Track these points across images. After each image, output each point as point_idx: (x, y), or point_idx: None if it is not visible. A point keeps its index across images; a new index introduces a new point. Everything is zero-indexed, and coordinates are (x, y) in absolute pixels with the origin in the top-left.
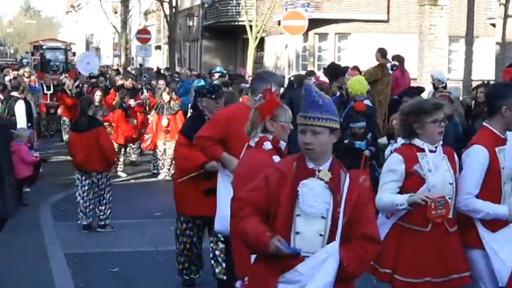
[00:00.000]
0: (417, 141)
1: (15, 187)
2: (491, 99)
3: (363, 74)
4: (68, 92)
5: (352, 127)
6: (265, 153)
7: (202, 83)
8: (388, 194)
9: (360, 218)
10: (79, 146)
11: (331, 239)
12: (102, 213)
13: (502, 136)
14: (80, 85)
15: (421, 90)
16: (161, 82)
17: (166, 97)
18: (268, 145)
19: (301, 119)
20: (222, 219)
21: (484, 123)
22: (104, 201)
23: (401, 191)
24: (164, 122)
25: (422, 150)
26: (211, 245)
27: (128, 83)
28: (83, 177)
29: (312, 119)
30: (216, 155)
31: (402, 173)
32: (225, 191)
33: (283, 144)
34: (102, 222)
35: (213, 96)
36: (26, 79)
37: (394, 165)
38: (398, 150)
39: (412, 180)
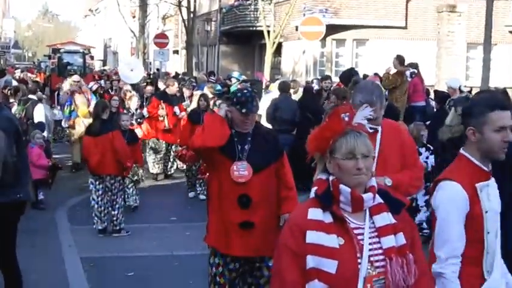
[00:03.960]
0: None
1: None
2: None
3: (383, 80)
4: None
5: None
6: (305, 203)
7: (218, 87)
8: None
9: None
10: (93, 150)
11: None
12: (115, 218)
13: (484, 168)
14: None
15: (447, 95)
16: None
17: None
18: (312, 192)
19: None
20: None
21: (461, 150)
22: (117, 205)
23: None
24: None
25: None
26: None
27: (174, 88)
28: (97, 182)
29: None
30: None
31: None
32: None
33: (345, 192)
34: (117, 227)
35: (243, 111)
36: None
37: None
38: None
39: None
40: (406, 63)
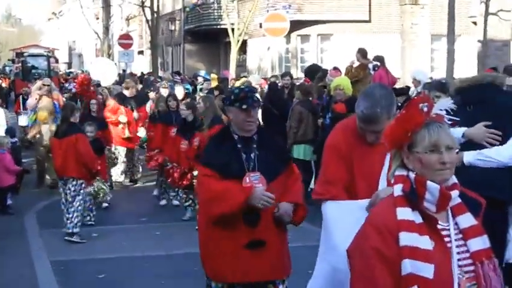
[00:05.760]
0: None
1: None
2: None
3: (345, 73)
4: None
5: None
6: (387, 202)
7: (188, 87)
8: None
9: None
10: (58, 152)
11: None
12: (69, 221)
13: None
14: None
15: (407, 90)
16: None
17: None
18: (398, 190)
19: None
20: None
21: None
22: (72, 209)
23: None
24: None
25: None
26: None
27: (133, 90)
28: (64, 184)
29: None
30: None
31: None
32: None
33: (433, 189)
34: (70, 230)
35: (243, 107)
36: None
37: None
38: None
39: None
40: (372, 57)
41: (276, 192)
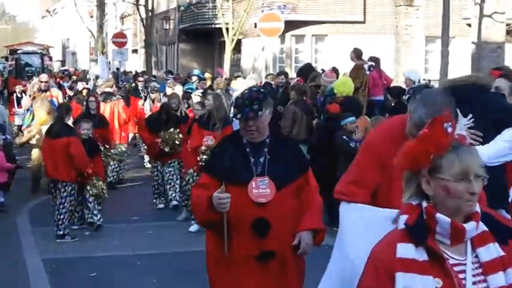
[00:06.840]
0: None
1: None
2: None
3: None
4: None
5: (343, 124)
6: (391, 235)
7: (191, 87)
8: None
9: None
10: (47, 152)
11: None
12: (60, 222)
13: None
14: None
15: (403, 91)
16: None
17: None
18: (402, 222)
19: None
20: None
21: None
22: (64, 210)
23: None
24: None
25: None
26: None
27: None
28: (54, 187)
29: None
30: None
31: None
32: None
33: (443, 222)
34: (61, 232)
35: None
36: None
37: None
38: None
39: None
40: (366, 58)
41: (288, 200)
